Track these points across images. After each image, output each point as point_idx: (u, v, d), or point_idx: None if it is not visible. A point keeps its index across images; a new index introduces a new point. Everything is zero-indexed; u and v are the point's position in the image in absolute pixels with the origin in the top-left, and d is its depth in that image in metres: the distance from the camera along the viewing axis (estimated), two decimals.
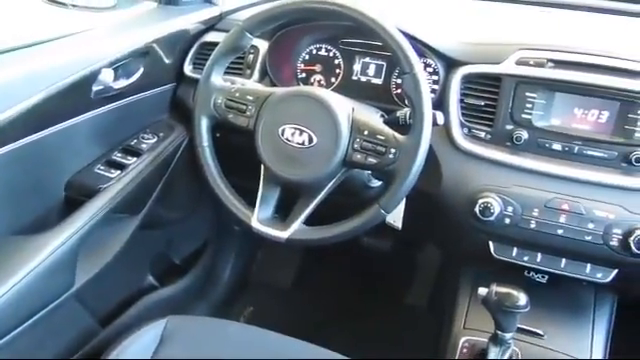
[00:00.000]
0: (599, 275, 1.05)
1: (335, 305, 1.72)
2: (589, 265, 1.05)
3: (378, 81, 1.20)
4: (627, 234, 0.97)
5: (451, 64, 1.10)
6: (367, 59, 1.21)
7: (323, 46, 1.24)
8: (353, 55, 1.22)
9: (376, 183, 1.13)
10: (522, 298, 0.93)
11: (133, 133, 1.23)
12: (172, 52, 1.25)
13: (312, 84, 1.25)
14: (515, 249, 1.08)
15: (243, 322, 1.62)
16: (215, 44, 1.06)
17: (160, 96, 1.27)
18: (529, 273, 1.14)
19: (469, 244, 1.14)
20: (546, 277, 1.13)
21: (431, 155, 0.98)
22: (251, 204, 1.01)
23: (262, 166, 1.00)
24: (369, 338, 1.53)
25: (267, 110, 0.99)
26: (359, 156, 0.94)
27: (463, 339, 1.12)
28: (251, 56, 1.23)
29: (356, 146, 0.94)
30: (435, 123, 0.95)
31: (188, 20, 1.28)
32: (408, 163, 0.90)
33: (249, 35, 1.01)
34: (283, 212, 1.01)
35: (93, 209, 1.08)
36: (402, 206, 1.12)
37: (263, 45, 1.22)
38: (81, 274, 1.09)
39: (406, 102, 0.98)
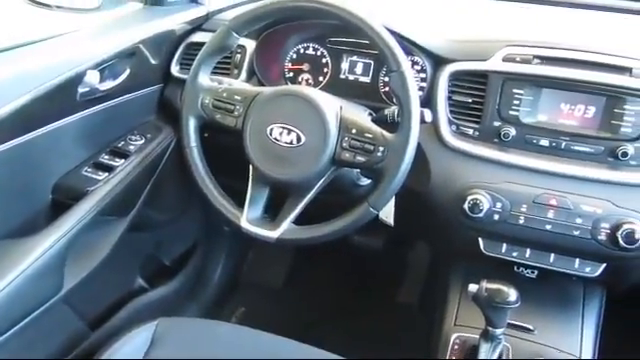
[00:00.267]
0: (588, 269, 1.05)
1: (326, 304, 1.72)
2: (578, 260, 1.05)
3: (366, 79, 1.20)
4: (615, 228, 0.97)
5: (438, 62, 1.10)
6: (355, 57, 1.21)
7: (310, 45, 1.24)
8: (341, 54, 1.22)
9: (365, 181, 1.14)
10: (512, 294, 0.93)
11: (120, 135, 1.22)
12: (159, 53, 1.24)
13: (300, 83, 1.25)
14: (504, 245, 1.09)
15: (234, 323, 1.62)
16: (202, 44, 1.05)
17: (147, 97, 1.26)
18: (519, 269, 1.15)
19: (459, 241, 1.14)
20: (535, 272, 1.14)
21: (419, 152, 0.98)
22: (240, 204, 1.01)
23: (250, 166, 1.00)
24: (361, 337, 1.53)
25: (255, 110, 0.98)
26: (348, 154, 0.94)
27: (454, 336, 1.12)
28: (238, 56, 1.22)
29: (344, 144, 0.94)
30: (423, 121, 0.95)
31: (174, 20, 1.27)
32: (397, 161, 0.91)
33: (235, 35, 1.01)
34: (272, 212, 1.01)
35: (81, 212, 1.07)
36: (392, 203, 1.12)
37: (250, 44, 1.22)
38: (69, 277, 1.08)
39: (394, 100, 0.98)
